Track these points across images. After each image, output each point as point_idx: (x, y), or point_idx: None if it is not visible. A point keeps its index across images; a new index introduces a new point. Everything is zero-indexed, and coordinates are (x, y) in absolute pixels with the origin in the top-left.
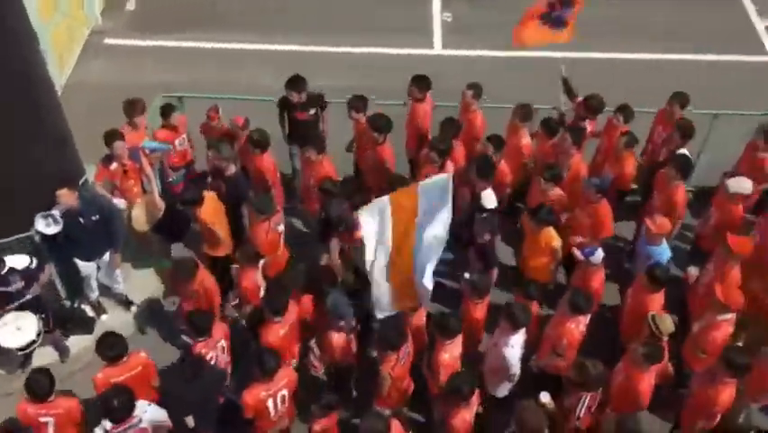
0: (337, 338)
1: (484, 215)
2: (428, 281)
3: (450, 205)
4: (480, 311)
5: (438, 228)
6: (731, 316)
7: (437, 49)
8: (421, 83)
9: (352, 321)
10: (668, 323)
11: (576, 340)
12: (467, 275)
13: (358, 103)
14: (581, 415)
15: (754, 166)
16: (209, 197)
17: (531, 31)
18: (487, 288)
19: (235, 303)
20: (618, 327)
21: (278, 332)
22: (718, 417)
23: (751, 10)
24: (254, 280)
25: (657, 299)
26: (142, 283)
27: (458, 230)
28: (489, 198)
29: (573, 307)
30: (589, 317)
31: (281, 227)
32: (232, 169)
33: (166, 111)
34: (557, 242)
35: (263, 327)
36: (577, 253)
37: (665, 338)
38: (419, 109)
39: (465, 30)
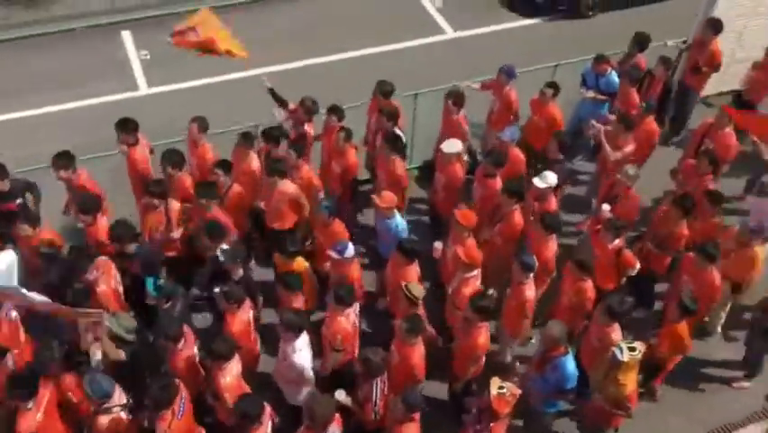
0: (109, 421)
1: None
2: None
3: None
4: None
5: None
6: (476, 272)
7: (143, 89)
8: (127, 127)
9: (123, 396)
10: (418, 288)
11: (349, 332)
12: (218, 289)
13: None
14: (378, 401)
15: (452, 127)
16: None
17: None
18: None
19: None
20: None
21: (33, 418)
22: (483, 358)
23: None
24: None
25: (412, 271)
26: None
27: None
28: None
29: (338, 300)
30: (358, 307)
31: (14, 313)
32: None
33: None
34: (305, 265)
35: (18, 415)
36: (332, 253)
37: (419, 302)
38: (136, 154)
39: (166, 63)
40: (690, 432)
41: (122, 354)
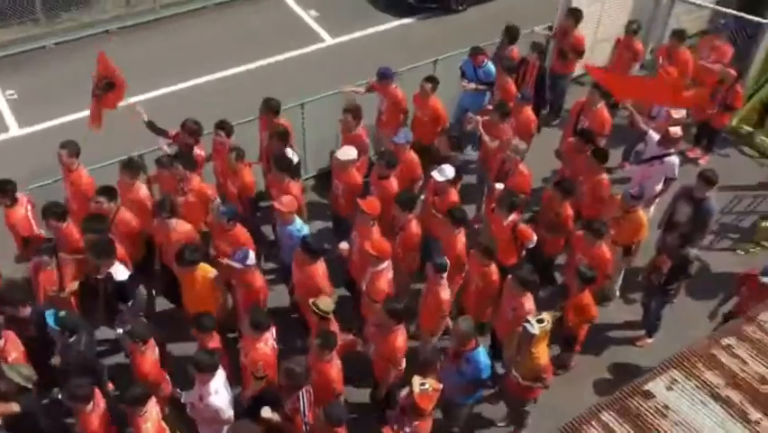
0: None
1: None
2: None
3: None
4: None
5: None
6: (386, 263)
7: (13, 130)
8: (4, 189)
9: None
10: (326, 302)
11: (270, 356)
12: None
13: None
14: (307, 412)
15: (353, 141)
16: None
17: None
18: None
19: None
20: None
21: None
22: (403, 362)
23: (293, 5)
24: None
25: (318, 268)
26: None
27: None
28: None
29: (255, 326)
30: (273, 330)
31: None
32: None
33: None
34: (212, 273)
35: None
36: (229, 261)
37: (330, 316)
38: (16, 214)
39: (36, 102)
40: (603, 392)
41: (15, 407)
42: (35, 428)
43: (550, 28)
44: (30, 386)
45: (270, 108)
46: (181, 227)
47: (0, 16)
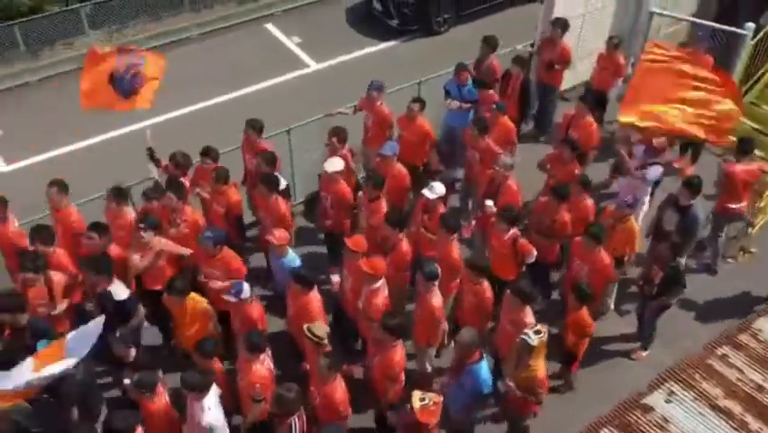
0: None
1: None
2: None
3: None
4: None
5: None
6: (381, 281)
7: (1, 166)
8: None
9: None
10: (321, 327)
11: (266, 378)
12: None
13: None
14: None
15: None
16: None
17: (100, 95)
18: None
19: None
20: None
21: None
22: (402, 377)
23: (275, 32)
24: None
25: (313, 299)
26: None
27: None
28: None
29: (251, 348)
30: (269, 352)
31: None
32: None
33: None
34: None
35: None
36: (228, 297)
37: (325, 342)
38: (4, 231)
39: (21, 138)
40: (602, 407)
41: None
42: None
43: (532, 45)
44: (34, 427)
45: (253, 128)
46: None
47: None
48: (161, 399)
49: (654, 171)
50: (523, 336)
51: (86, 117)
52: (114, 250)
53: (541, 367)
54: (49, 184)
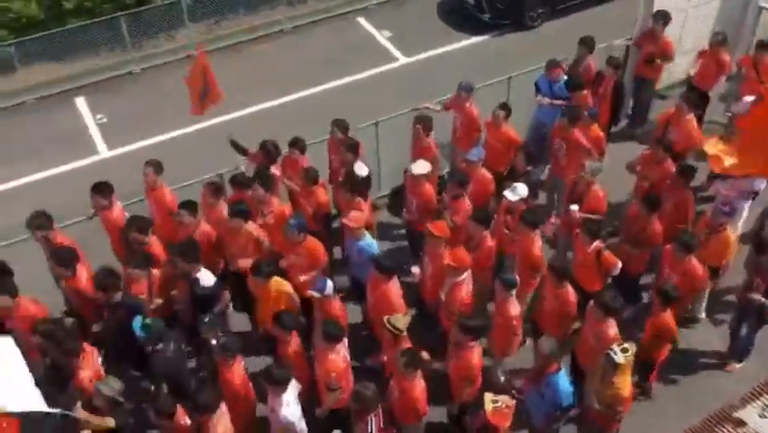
0: None
1: None
2: None
3: None
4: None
5: None
6: (466, 274)
7: (103, 152)
8: (103, 190)
9: None
10: (401, 319)
11: (342, 368)
12: (214, 342)
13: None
14: None
15: (422, 152)
16: None
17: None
18: None
19: None
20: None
21: None
22: (479, 378)
23: (367, 26)
24: None
25: (393, 286)
26: None
27: None
28: (208, 278)
29: (327, 337)
30: (345, 342)
31: None
32: None
33: None
34: (287, 287)
35: None
36: (312, 292)
37: (404, 334)
38: (112, 215)
39: (123, 125)
40: (690, 419)
41: (110, 422)
42: None
43: (629, 40)
44: (121, 400)
45: (340, 126)
46: (251, 228)
47: (91, 45)
48: (240, 368)
49: (760, 181)
50: (609, 352)
51: (184, 107)
52: (204, 231)
53: (626, 385)
54: (146, 164)
